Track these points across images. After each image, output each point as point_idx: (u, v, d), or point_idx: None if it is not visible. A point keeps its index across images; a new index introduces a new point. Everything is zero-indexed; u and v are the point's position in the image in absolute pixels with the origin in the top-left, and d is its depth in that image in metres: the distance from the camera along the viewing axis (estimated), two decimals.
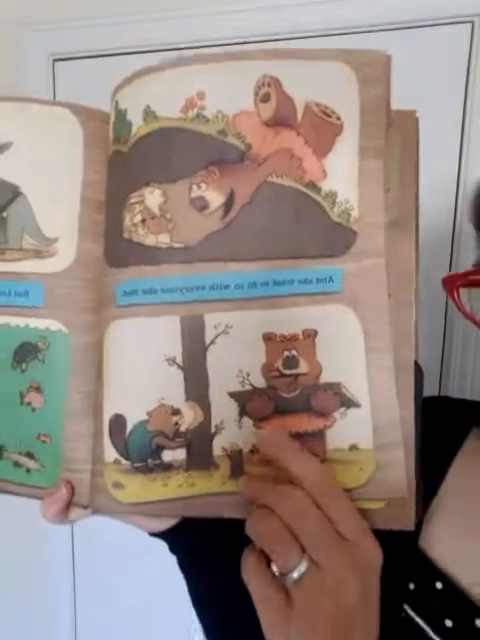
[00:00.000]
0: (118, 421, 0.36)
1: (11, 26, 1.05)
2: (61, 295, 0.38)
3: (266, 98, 0.32)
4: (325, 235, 0.33)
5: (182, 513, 0.37)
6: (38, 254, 0.38)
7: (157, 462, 0.35)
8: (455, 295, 0.46)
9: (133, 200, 0.34)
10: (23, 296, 0.38)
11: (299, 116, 0.33)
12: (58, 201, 0.39)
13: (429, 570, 0.42)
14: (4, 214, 0.39)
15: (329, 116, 0.32)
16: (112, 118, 0.37)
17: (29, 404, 0.39)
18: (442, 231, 0.95)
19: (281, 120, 0.33)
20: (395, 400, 0.32)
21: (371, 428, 0.32)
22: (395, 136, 0.34)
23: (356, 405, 0.33)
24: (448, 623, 0.39)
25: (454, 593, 0.40)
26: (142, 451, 0.35)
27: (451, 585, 0.40)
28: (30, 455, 0.39)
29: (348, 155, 0.32)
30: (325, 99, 0.32)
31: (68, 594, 1.25)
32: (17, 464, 0.40)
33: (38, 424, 0.39)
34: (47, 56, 1.07)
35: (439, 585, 0.41)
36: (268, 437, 0.33)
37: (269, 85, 0.32)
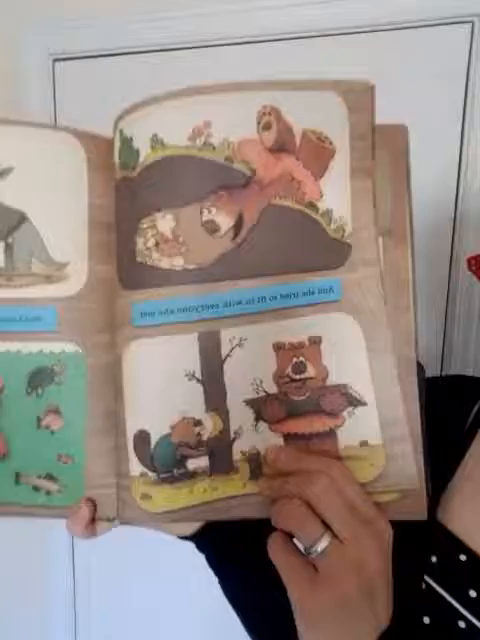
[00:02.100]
0: (142, 436, 0.38)
1: (11, 26, 1.05)
2: (75, 318, 0.39)
3: (268, 126, 0.36)
4: (324, 250, 0.36)
5: (208, 517, 0.39)
6: (48, 279, 0.39)
7: (182, 471, 0.38)
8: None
9: (145, 225, 0.36)
10: (35, 321, 0.39)
11: (297, 142, 0.36)
12: (65, 225, 0.39)
13: (452, 543, 0.44)
14: (10, 240, 0.39)
15: (323, 142, 0.36)
16: (117, 144, 0.39)
17: (47, 427, 0.40)
18: (443, 230, 0.95)
19: (282, 146, 0.36)
20: (399, 397, 0.35)
21: (378, 424, 0.35)
22: (383, 155, 0.37)
23: (363, 404, 0.36)
24: (472, 594, 0.41)
25: (478, 564, 0.42)
26: (167, 463, 0.38)
27: (475, 557, 0.42)
28: (51, 477, 0.40)
29: (341, 176, 0.36)
30: (320, 126, 0.36)
31: (68, 594, 1.25)
32: (36, 488, 0.40)
33: (58, 446, 0.40)
34: (47, 56, 1.07)
35: (463, 557, 0.43)
36: (283, 457, 0.36)
37: (270, 114, 0.36)
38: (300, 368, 0.36)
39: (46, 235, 0.39)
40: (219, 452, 0.37)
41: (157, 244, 0.36)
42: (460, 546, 0.43)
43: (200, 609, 1.14)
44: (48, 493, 0.40)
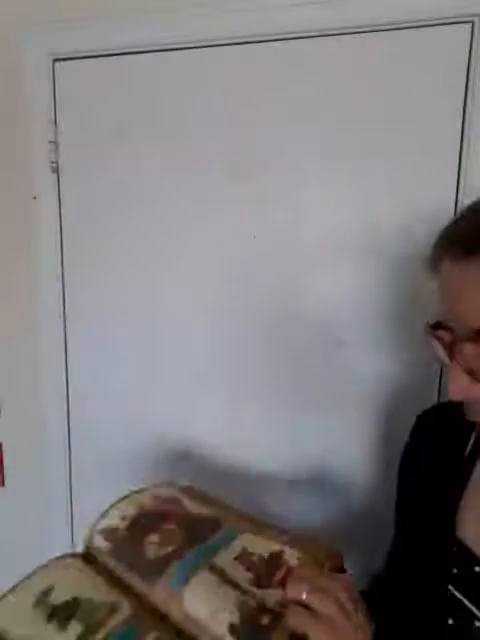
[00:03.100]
0: None
1: (11, 26, 1.05)
2: None
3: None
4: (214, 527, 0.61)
5: None
6: None
7: None
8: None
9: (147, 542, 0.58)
10: None
11: None
12: None
13: (469, 557, 0.53)
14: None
15: None
16: (102, 539, 0.60)
17: None
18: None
19: None
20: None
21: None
22: None
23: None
24: None
25: None
26: None
27: None
28: None
29: None
30: None
31: None
32: None
33: None
34: (47, 56, 1.07)
35: (477, 569, 0.52)
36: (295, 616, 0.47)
37: None
38: (251, 561, 0.56)
39: None
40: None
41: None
42: (474, 560, 0.52)
43: None
44: None
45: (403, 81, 0.93)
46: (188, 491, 0.68)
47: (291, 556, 0.56)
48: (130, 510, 0.62)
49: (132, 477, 1.07)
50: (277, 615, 0.49)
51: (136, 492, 0.66)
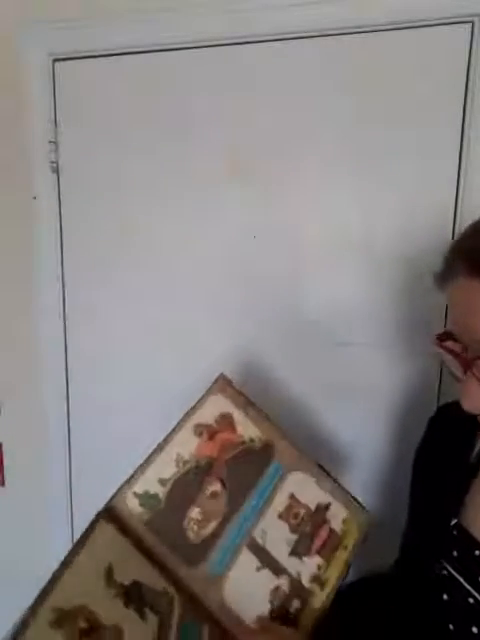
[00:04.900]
0: None
1: (11, 26, 1.05)
2: None
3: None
4: (262, 454, 0.64)
5: None
6: None
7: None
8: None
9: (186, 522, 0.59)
10: None
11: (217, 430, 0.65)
12: None
13: (470, 542, 0.58)
14: None
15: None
16: (137, 505, 0.58)
17: None
18: (442, 230, 0.95)
19: (211, 434, 0.65)
20: (341, 488, 0.67)
21: (342, 507, 0.65)
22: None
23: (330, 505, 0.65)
24: None
25: None
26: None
27: None
28: None
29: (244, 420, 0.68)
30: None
31: None
32: None
33: None
34: (47, 56, 1.07)
35: (477, 552, 0.57)
36: None
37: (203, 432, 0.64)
38: (296, 514, 0.61)
39: None
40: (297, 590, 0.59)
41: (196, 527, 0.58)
42: (476, 544, 0.57)
43: None
44: None
45: (403, 81, 0.93)
46: (238, 400, 0.67)
47: (336, 515, 0.63)
48: (170, 469, 0.60)
49: None
50: (305, 599, 0.57)
51: (188, 416, 0.65)
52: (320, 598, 0.59)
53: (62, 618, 0.49)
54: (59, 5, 1.03)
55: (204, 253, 1.07)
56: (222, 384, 0.68)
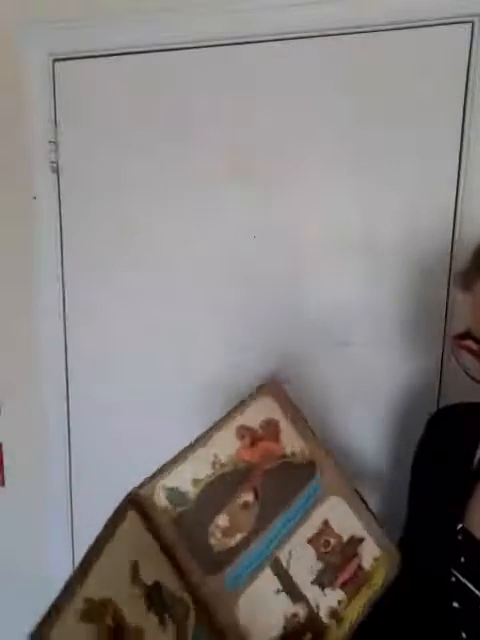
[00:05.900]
0: None
1: (11, 26, 1.05)
2: None
3: (242, 437, 0.58)
4: (301, 471, 0.59)
5: None
6: None
7: None
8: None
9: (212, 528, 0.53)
10: None
11: (259, 431, 0.59)
12: None
13: (476, 546, 0.58)
14: None
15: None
16: (163, 498, 0.53)
17: None
18: (442, 230, 0.95)
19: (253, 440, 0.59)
20: (376, 523, 0.60)
21: (374, 543, 0.59)
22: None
23: (363, 539, 0.59)
24: None
25: None
26: None
27: None
28: None
29: (289, 431, 0.61)
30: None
31: None
32: None
33: None
34: (47, 56, 1.07)
35: None
36: None
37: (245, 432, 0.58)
38: (327, 542, 0.56)
39: None
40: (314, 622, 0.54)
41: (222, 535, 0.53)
42: None
43: None
44: None
45: (403, 81, 0.93)
46: (287, 407, 0.61)
47: (368, 552, 0.58)
48: (205, 469, 0.56)
49: (133, 477, 1.07)
50: (320, 633, 0.53)
51: (234, 413, 0.59)
52: (335, 636, 0.54)
53: (92, 610, 0.48)
54: (59, 5, 1.03)
55: (204, 253, 1.07)
56: (274, 387, 0.62)
